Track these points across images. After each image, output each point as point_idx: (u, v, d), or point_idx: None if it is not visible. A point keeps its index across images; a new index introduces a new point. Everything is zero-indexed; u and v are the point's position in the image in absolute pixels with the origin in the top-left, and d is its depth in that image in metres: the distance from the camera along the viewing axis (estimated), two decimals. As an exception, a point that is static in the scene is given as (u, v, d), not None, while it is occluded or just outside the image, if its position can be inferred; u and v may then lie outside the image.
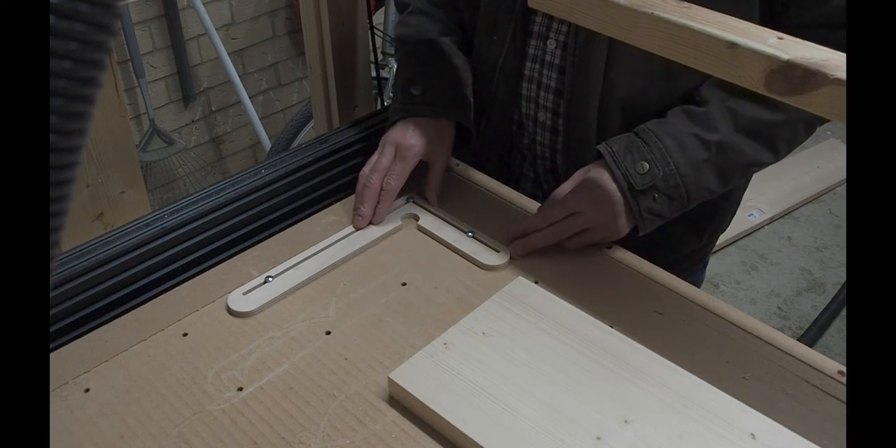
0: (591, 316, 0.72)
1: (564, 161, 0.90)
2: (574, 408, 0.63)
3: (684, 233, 0.94)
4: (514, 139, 0.94)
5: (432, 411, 0.63)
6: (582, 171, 0.81)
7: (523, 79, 0.88)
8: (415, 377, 0.65)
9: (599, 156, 0.80)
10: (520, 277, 0.76)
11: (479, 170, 0.95)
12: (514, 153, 0.96)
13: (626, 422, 0.62)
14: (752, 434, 0.61)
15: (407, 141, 0.85)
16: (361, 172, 0.86)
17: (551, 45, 0.84)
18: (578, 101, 0.84)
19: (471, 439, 0.61)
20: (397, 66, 0.95)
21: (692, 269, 1.04)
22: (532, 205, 0.88)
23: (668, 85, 0.81)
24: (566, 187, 0.81)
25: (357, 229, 0.84)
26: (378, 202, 0.85)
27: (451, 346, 0.68)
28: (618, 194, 0.78)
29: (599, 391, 0.65)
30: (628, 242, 0.82)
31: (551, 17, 0.83)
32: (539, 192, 0.97)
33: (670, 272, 0.79)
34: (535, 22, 0.85)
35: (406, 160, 0.85)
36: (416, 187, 0.90)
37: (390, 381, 0.65)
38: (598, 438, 0.61)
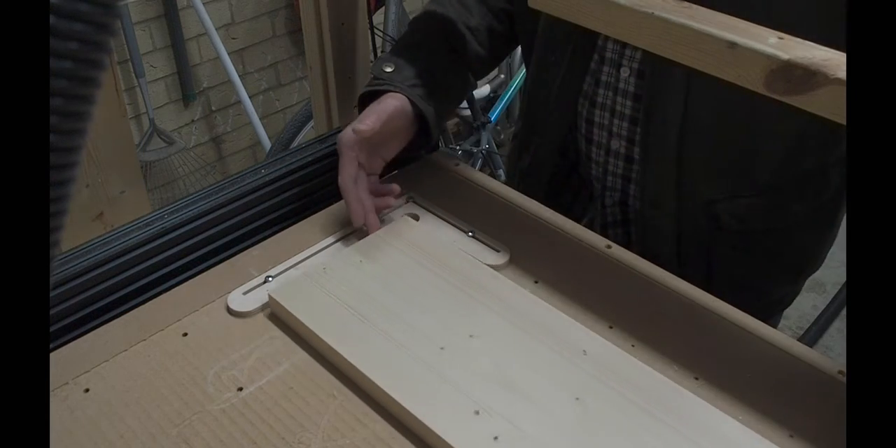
0: (591, 316, 0.72)
1: (639, 192, 0.87)
2: (428, 325, 0.70)
3: (782, 278, 0.94)
4: (581, 169, 0.92)
5: (305, 327, 0.69)
6: None
7: (596, 106, 0.86)
8: (294, 296, 0.72)
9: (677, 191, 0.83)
10: (405, 216, 0.83)
11: (527, 193, 0.90)
12: (572, 181, 0.93)
13: (471, 336, 0.69)
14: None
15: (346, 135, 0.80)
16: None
17: (625, 72, 0.81)
18: (656, 129, 0.81)
19: (337, 352, 0.67)
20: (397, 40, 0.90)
21: (780, 312, 1.01)
22: (531, 204, 0.88)
23: (752, 124, 0.79)
24: None
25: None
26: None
27: (329, 270, 0.75)
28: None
29: (449, 310, 0.71)
30: (721, 285, 0.81)
31: (624, 44, 0.80)
32: (598, 223, 0.94)
33: (761, 317, 0.75)
34: (606, 49, 0.82)
35: (349, 159, 0.80)
36: (417, 187, 0.90)
37: (270, 298, 0.72)
38: (442, 348, 0.67)
